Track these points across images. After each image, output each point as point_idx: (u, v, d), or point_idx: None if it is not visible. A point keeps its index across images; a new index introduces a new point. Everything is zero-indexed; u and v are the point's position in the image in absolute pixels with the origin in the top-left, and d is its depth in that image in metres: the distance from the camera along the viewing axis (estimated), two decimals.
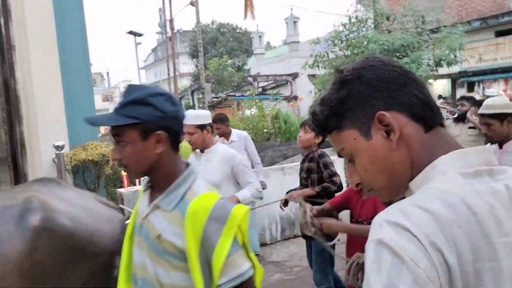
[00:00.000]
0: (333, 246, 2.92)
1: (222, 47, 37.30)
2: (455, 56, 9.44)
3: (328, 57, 10.60)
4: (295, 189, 3.67)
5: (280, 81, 25.13)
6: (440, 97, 12.87)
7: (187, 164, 1.50)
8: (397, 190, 0.88)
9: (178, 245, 1.36)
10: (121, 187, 4.73)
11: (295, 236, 5.89)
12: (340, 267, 3.63)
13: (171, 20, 22.08)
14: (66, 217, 2.11)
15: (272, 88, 25.04)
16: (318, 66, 10.54)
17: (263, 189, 4.00)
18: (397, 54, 9.41)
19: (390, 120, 0.83)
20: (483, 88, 12.79)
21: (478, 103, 4.74)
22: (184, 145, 4.10)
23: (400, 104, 0.84)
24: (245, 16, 23.04)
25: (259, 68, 30.70)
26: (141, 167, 1.41)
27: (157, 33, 53.87)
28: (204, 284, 1.34)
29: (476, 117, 4.18)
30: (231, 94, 22.74)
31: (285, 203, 3.62)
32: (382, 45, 9.03)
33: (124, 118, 1.35)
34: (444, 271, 0.68)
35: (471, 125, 5.06)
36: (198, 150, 3.47)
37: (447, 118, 5.93)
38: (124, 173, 4.15)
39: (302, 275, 4.66)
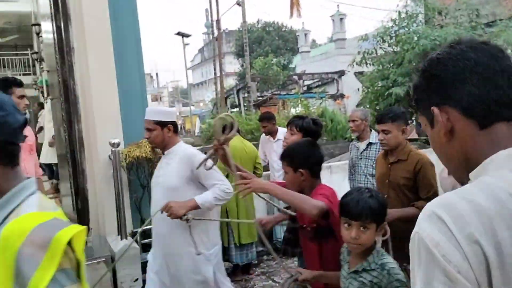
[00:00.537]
0: None
1: (267, 46, 37.37)
2: None
3: (376, 53, 10.39)
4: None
5: (326, 79, 24.87)
6: None
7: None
8: (459, 174, 0.93)
9: None
10: None
11: None
12: None
13: (218, 21, 22.37)
14: None
15: (318, 86, 24.84)
16: (366, 63, 10.37)
17: None
18: None
19: (437, 115, 0.89)
20: None
21: None
22: (233, 144, 4.12)
23: (453, 100, 0.87)
24: (291, 14, 23.00)
25: (305, 66, 30.52)
26: None
27: (203, 33, 54.82)
28: None
29: None
30: (276, 92, 22.73)
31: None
32: (434, 41, 8.72)
33: None
34: (480, 262, 0.70)
35: None
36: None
37: None
38: None
39: None
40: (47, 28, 4.48)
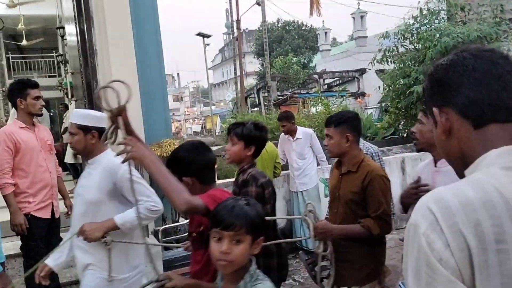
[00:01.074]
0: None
1: (287, 45, 37.35)
2: None
3: (397, 51, 10.28)
4: None
5: (347, 77, 24.71)
6: None
7: None
8: (458, 171, 1.01)
9: None
10: None
11: None
12: None
13: (238, 21, 22.48)
14: None
15: (338, 84, 24.69)
16: (387, 60, 10.26)
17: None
18: None
19: (437, 115, 0.99)
20: None
21: None
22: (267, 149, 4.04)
23: (452, 102, 0.97)
24: (311, 13, 22.91)
25: (325, 65, 30.37)
26: None
27: (224, 33, 55.11)
28: None
29: None
30: (296, 91, 22.69)
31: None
32: (456, 38, 8.56)
33: None
34: (461, 250, 0.78)
35: None
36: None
37: None
38: None
39: None
40: (71, 31, 4.61)
